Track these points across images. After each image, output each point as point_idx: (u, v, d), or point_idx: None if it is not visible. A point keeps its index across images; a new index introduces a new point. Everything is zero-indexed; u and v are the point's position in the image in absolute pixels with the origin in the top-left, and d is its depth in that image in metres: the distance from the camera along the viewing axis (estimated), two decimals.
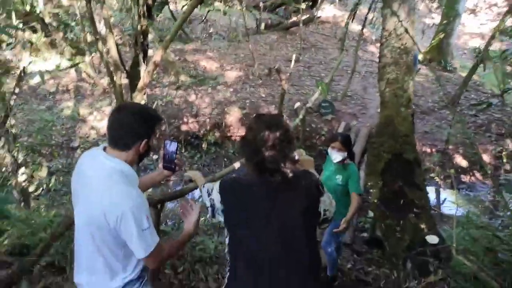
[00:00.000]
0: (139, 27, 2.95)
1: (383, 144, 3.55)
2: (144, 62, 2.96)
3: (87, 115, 8.25)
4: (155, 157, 7.55)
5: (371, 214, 5.22)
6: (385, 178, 3.41)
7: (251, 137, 1.63)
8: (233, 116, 8.19)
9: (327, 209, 1.72)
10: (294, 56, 5.16)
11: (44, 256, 2.70)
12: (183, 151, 7.65)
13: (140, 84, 2.51)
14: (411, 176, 3.35)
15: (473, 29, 14.88)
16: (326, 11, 14.56)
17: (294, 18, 13.64)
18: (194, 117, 8.09)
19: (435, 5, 16.91)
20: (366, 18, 8.54)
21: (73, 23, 7.76)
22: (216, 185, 1.75)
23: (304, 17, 12.03)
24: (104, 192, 1.56)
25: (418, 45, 3.41)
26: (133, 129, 1.62)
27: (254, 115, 1.83)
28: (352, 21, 9.00)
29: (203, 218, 5.53)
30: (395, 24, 3.33)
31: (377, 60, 3.89)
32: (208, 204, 1.84)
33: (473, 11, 15.66)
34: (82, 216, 1.65)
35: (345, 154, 3.27)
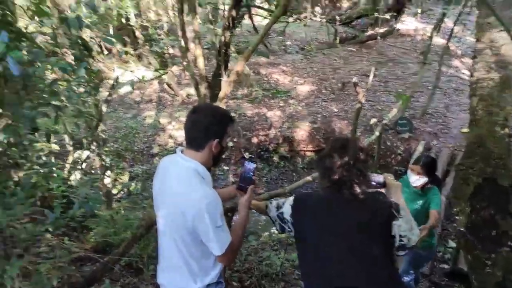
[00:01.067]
0: (223, 38, 3.07)
1: (472, 167, 3.23)
2: (225, 73, 3.07)
3: (167, 124, 8.77)
4: (226, 168, 7.76)
5: (452, 244, 4.79)
6: (473, 204, 3.09)
7: (326, 155, 1.76)
8: (304, 130, 8.13)
9: (405, 235, 1.69)
10: (372, 69, 4.97)
11: (124, 256, 2.87)
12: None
13: (221, 94, 2.60)
14: (506, 204, 2.99)
15: None
16: (407, 24, 13.93)
17: (371, 32, 13.27)
18: (265, 130, 8.18)
19: None
20: (452, 30, 7.99)
21: (159, 37, 8.40)
22: (290, 198, 1.86)
23: (382, 30, 11.63)
24: (182, 191, 1.63)
25: None
26: (206, 127, 1.68)
27: (332, 138, 1.91)
28: (437, 33, 8.47)
29: (267, 233, 5.52)
30: (492, 36, 3.05)
31: (462, 76, 3.60)
32: (275, 218, 1.91)
33: None
34: (164, 217, 1.73)
35: (426, 179, 3.03)
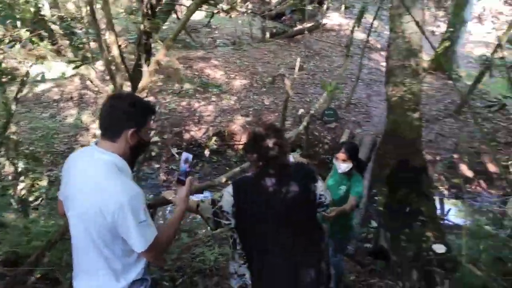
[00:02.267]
0: (142, 27, 2.91)
1: (388, 150, 3.46)
2: (146, 64, 2.92)
3: (90, 123, 8.23)
4: (156, 166, 7.49)
5: (374, 224, 5.10)
6: (391, 185, 3.31)
7: (254, 136, 1.96)
8: (236, 124, 8.14)
9: (322, 194, 2.02)
10: (298, 60, 5.10)
11: (38, 267, 2.61)
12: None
13: (141, 84, 2.46)
14: (418, 184, 3.26)
15: (479, 37, 14.78)
16: (332, 19, 14.56)
17: (299, 26, 13.67)
18: (197, 125, 8.05)
19: (440, 13, 16.88)
20: (371, 25, 8.50)
21: (79, 30, 7.78)
22: (227, 189, 1.95)
23: (309, 25, 12.03)
24: (98, 186, 1.51)
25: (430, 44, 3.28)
26: (122, 115, 1.58)
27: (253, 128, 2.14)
28: (358, 27, 8.96)
29: (203, 231, 5.43)
30: (403, 26, 3.26)
31: (382, 68, 3.84)
32: (210, 215, 1.95)
33: (479, 19, 15.60)
34: (78, 217, 1.59)
35: (351, 164, 3.15)
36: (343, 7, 14.91)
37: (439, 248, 2.75)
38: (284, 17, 14.96)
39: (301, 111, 7.96)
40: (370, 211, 5.46)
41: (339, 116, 8.07)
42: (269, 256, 1.89)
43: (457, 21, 10.72)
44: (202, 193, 7.15)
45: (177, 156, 7.13)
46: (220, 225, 1.95)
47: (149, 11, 3.00)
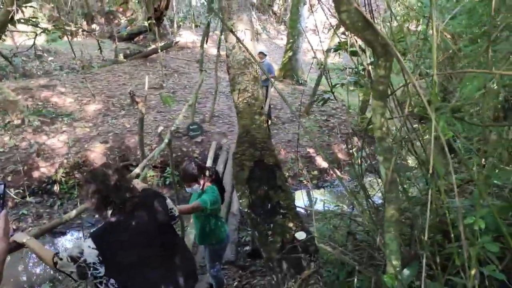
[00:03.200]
0: None
1: (244, 153, 3.60)
2: None
3: None
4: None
5: None
6: (250, 185, 3.45)
7: (91, 171, 2.01)
8: (96, 152, 7.49)
9: (172, 208, 2.23)
10: (146, 78, 4.96)
11: None
12: (35, 200, 6.62)
13: None
14: (273, 179, 3.46)
15: (316, 46, 16.94)
16: (184, 37, 14.77)
17: (153, 46, 13.47)
18: (48, 160, 7.13)
19: (282, 27, 18.79)
20: (220, 40, 8.88)
21: None
22: (86, 243, 1.83)
23: (162, 44, 11.97)
24: None
25: (265, 57, 3.55)
26: None
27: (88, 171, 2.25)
28: (206, 43, 9.27)
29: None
30: (238, 36, 3.45)
31: None
32: (73, 269, 1.81)
33: (313, 31, 17.87)
34: None
35: (197, 185, 3.27)
36: (193, 25, 15.33)
37: (300, 235, 2.98)
38: (137, 38, 14.61)
39: (160, 128, 7.78)
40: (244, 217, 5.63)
41: (204, 130, 8.17)
42: (133, 280, 1.92)
43: (295, 33, 12.07)
44: (65, 234, 6.35)
45: (18, 199, 6.18)
46: (87, 276, 1.87)
47: None
